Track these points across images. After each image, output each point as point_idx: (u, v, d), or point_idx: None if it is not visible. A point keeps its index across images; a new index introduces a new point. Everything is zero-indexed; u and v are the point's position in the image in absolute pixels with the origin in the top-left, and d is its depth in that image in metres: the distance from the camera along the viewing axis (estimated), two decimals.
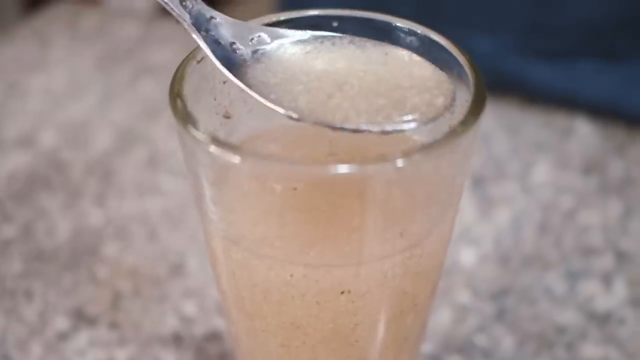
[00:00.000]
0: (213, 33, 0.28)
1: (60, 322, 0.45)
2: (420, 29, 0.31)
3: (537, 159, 0.56)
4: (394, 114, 0.27)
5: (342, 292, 0.28)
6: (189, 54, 0.30)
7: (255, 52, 0.29)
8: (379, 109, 0.27)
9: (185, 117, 0.27)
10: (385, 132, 0.26)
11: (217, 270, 0.30)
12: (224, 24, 0.29)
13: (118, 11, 0.74)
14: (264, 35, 0.29)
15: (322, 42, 0.30)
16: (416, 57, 0.29)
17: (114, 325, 0.45)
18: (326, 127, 0.26)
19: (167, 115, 0.58)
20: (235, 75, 0.28)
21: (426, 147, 0.25)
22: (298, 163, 0.25)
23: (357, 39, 0.30)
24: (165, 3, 0.28)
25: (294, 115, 0.27)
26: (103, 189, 0.54)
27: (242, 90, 0.28)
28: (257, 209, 0.27)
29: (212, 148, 0.25)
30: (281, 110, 0.27)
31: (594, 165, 0.56)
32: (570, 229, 0.51)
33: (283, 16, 0.31)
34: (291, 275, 0.27)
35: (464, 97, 0.28)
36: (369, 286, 0.28)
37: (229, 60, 0.28)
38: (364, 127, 0.26)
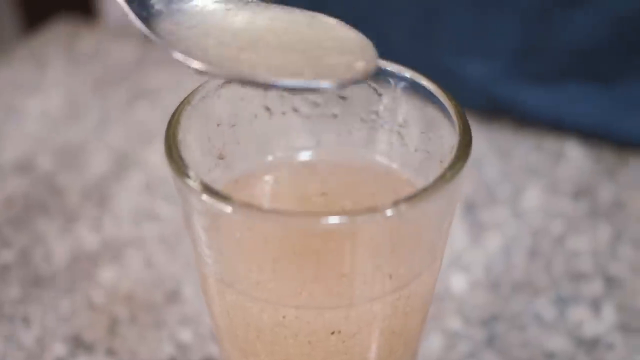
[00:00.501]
0: None
1: (58, 349, 0.46)
2: (409, 74, 0.31)
3: (528, 184, 0.57)
4: (308, 72, 0.26)
5: (333, 333, 0.29)
6: (184, 99, 0.31)
7: (171, 6, 0.28)
8: (293, 66, 0.26)
9: (179, 165, 0.28)
10: (295, 90, 0.26)
11: (212, 308, 0.31)
12: None
13: (116, 28, 0.75)
14: None
15: (247, 2, 0.29)
16: (344, 25, 0.29)
17: (111, 352, 0.46)
18: (235, 81, 0.26)
19: (163, 140, 0.58)
20: (148, 27, 0.27)
21: (414, 196, 0.26)
22: (289, 215, 0.26)
23: (286, 6, 0.29)
24: None
25: (202, 67, 0.26)
26: (99, 213, 0.55)
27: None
28: (249, 255, 0.28)
29: (205, 197, 0.26)
30: (190, 64, 0.26)
31: (585, 189, 0.57)
32: (560, 254, 0.52)
33: None
34: (284, 317, 0.28)
35: (452, 142, 0.29)
36: (359, 327, 0.29)
37: (144, 12, 0.28)
38: (272, 81, 0.25)
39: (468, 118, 0.60)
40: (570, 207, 0.55)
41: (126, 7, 0.28)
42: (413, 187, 0.32)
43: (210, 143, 0.32)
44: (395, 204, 0.26)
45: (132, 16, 0.28)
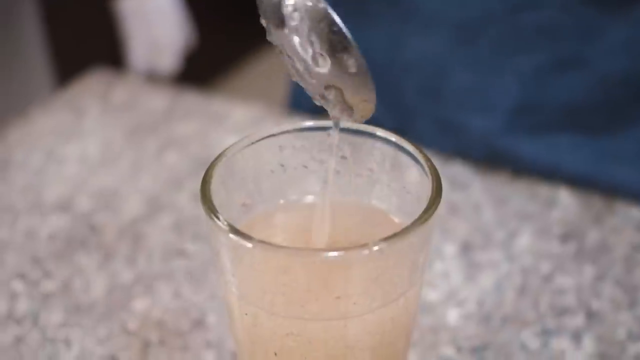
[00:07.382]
0: None
1: None
2: (394, 138, 0.42)
3: (522, 228, 0.67)
4: None
5: (332, 339, 0.38)
6: (216, 157, 0.41)
7: None
8: None
9: (212, 209, 0.38)
10: None
11: (234, 324, 0.41)
12: None
13: (146, 80, 0.86)
14: None
15: None
16: None
17: None
18: None
19: (190, 185, 0.70)
20: None
21: (394, 236, 0.36)
22: (295, 250, 0.36)
23: None
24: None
25: None
26: (133, 250, 0.65)
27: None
28: (265, 280, 0.38)
29: (231, 235, 0.36)
30: None
31: (573, 233, 0.66)
32: (547, 291, 0.61)
33: (284, 127, 0.42)
34: (291, 327, 0.38)
35: (427, 194, 0.39)
36: (355, 336, 0.38)
37: None
38: None
39: (468, 167, 0.71)
40: (559, 249, 0.65)
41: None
42: (399, 226, 0.42)
43: (236, 193, 0.42)
44: (379, 241, 0.36)
45: None
